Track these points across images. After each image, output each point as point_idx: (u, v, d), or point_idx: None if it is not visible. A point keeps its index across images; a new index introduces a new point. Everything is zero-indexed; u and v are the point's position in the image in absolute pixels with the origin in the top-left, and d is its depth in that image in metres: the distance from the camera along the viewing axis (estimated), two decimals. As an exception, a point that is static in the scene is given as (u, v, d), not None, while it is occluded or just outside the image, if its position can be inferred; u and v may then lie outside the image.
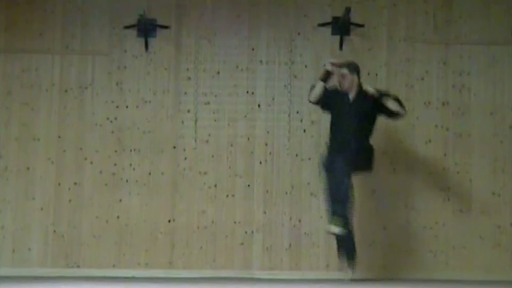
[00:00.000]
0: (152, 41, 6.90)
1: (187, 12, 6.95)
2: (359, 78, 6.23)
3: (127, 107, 6.87)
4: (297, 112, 6.86)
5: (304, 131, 6.85)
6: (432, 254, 6.73)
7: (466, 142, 6.84)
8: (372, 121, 6.21)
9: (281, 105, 6.86)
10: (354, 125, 6.08)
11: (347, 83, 6.18)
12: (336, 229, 5.79)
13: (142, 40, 6.89)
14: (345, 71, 6.18)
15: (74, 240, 6.73)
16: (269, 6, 6.96)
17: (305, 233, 6.74)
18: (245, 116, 6.87)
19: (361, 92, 6.18)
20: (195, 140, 6.83)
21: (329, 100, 6.26)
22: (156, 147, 6.83)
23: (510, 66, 6.91)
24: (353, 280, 6.18)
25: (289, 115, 6.86)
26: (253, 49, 6.92)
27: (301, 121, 6.85)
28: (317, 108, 6.80)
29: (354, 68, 6.24)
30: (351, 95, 6.20)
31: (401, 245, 6.73)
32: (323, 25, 6.91)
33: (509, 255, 6.73)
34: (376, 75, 6.89)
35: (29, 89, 6.86)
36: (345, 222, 5.83)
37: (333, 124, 6.25)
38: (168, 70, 6.91)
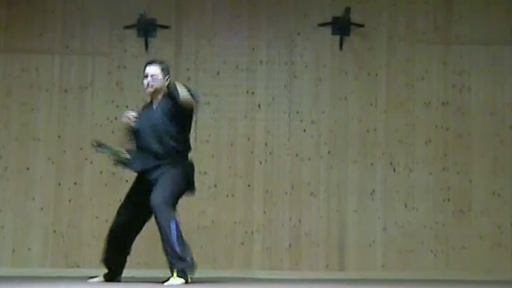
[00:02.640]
0: (152, 41, 6.90)
1: (187, 12, 6.95)
2: (168, 81, 5.30)
3: (127, 107, 6.85)
4: (297, 112, 6.85)
5: (304, 131, 6.85)
6: (432, 254, 6.72)
7: (466, 142, 6.84)
8: (179, 123, 5.25)
9: (281, 105, 6.86)
10: (159, 129, 5.20)
11: (156, 85, 5.28)
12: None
13: (142, 40, 6.89)
14: (156, 70, 5.30)
15: (74, 240, 6.73)
16: (269, 6, 6.96)
17: (305, 233, 6.75)
18: (245, 116, 6.86)
19: (166, 96, 5.25)
20: (195, 140, 6.82)
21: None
22: (156, 147, 6.82)
23: (510, 66, 6.91)
24: (352, 281, 6.18)
25: (289, 115, 6.85)
26: (253, 49, 6.92)
27: (301, 121, 6.85)
28: (317, 108, 6.81)
29: (167, 69, 5.35)
30: (156, 101, 5.30)
31: (401, 245, 6.73)
32: (323, 25, 6.90)
33: (509, 255, 6.73)
34: (376, 75, 6.88)
35: (29, 89, 6.85)
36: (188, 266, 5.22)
37: (136, 137, 5.36)
38: (168, 70, 6.90)
